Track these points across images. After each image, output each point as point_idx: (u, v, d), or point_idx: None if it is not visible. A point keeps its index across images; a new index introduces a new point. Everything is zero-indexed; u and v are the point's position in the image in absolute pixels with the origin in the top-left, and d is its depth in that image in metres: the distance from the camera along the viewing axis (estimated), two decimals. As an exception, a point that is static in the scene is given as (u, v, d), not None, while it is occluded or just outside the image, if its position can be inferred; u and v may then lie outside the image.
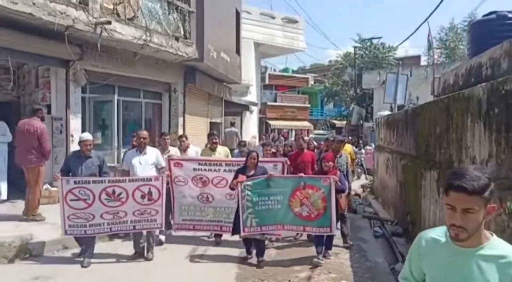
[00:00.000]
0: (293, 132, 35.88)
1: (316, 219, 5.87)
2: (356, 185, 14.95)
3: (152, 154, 6.24)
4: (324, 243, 6.09)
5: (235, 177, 6.01)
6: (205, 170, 6.63)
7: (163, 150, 7.05)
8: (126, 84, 10.55)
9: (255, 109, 21.29)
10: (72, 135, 8.71)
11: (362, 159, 16.43)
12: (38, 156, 7.03)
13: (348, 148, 10.19)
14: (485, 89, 4.38)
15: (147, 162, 6.12)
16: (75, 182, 5.65)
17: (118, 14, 9.23)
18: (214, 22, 12.73)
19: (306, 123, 36.82)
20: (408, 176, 8.10)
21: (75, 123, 8.87)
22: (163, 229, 6.32)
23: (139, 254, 6.02)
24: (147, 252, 6.05)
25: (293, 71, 44.94)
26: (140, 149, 6.17)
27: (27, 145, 6.97)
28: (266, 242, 6.37)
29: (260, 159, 6.23)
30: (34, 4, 7.06)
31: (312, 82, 40.68)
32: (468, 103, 4.88)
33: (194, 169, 6.65)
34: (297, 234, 7.02)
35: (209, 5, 12.18)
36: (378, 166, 13.03)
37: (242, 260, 6.05)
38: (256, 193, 5.85)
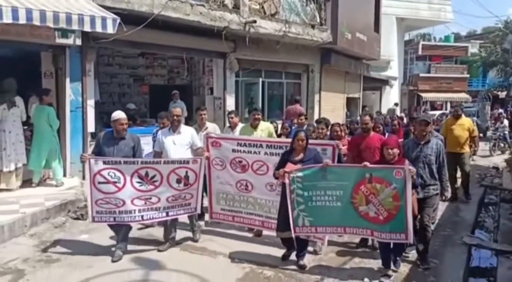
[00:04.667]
0: (448, 104, 34.44)
1: (387, 222, 4.58)
2: (500, 159, 14.82)
3: (187, 133, 5.56)
4: (392, 252, 4.85)
5: (281, 164, 4.92)
6: (244, 151, 5.59)
7: (200, 127, 6.29)
8: (270, 68, 12.74)
9: (395, 83, 21.80)
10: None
11: (506, 132, 16.01)
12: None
13: (466, 122, 8.22)
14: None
15: (181, 143, 5.46)
16: (104, 162, 5.02)
17: (264, 11, 11.33)
18: (351, 6, 13.96)
19: (463, 95, 34.79)
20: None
21: (230, 101, 11.38)
22: (199, 212, 5.65)
23: (170, 244, 5.46)
24: (193, 233, 5.71)
25: (457, 38, 42.10)
26: (174, 128, 5.48)
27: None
28: (319, 244, 5.33)
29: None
30: (200, 13, 9.52)
31: (475, 50, 37.79)
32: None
33: (233, 150, 5.65)
34: (361, 240, 5.56)
35: (346, -9, 13.46)
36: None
37: (284, 258, 5.12)
38: (309, 186, 4.74)
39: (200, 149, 5.60)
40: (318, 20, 12.84)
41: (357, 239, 5.60)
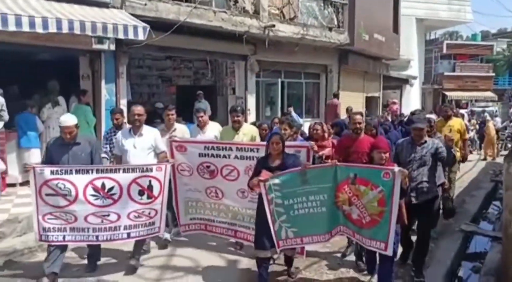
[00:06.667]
0: (473, 103, 34.36)
1: (369, 228, 4.16)
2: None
3: (149, 135, 4.99)
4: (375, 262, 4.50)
5: (256, 172, 4.41)
6: (212, 155, 5.08)
7: (168, 129, 5.75)
8: (289, 68, 13.42)
9: (415, 82, 22.13)
10: (249, 110, 11.96)
11: None
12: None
13: (456, 123, 7.37)
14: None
15: (143, 146, 4.91)
16: (52, 172, 4.34)
17: (283, 16, 11.99)
18: (368, 8, 14.44)
19: (488, 94, 34.62)
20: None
21: (251, 101, 12.14)
22: (162, 233, 5.05)
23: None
24: (133, 257, 4.85)
25: (485, 37, 41.82)
26: (135, 129, 4.94)
27: (330, 114, 12.13)
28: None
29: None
30: (222, 19, 10.26)
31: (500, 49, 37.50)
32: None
33: (200, 155, 5.12)
34: (348, 246, 5.29)
35: (363, -6, 13.97)
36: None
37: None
38: (289, 193, 4.26)
39: (163, 153, 5.01)
40: (336, 22, 13.39)
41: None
